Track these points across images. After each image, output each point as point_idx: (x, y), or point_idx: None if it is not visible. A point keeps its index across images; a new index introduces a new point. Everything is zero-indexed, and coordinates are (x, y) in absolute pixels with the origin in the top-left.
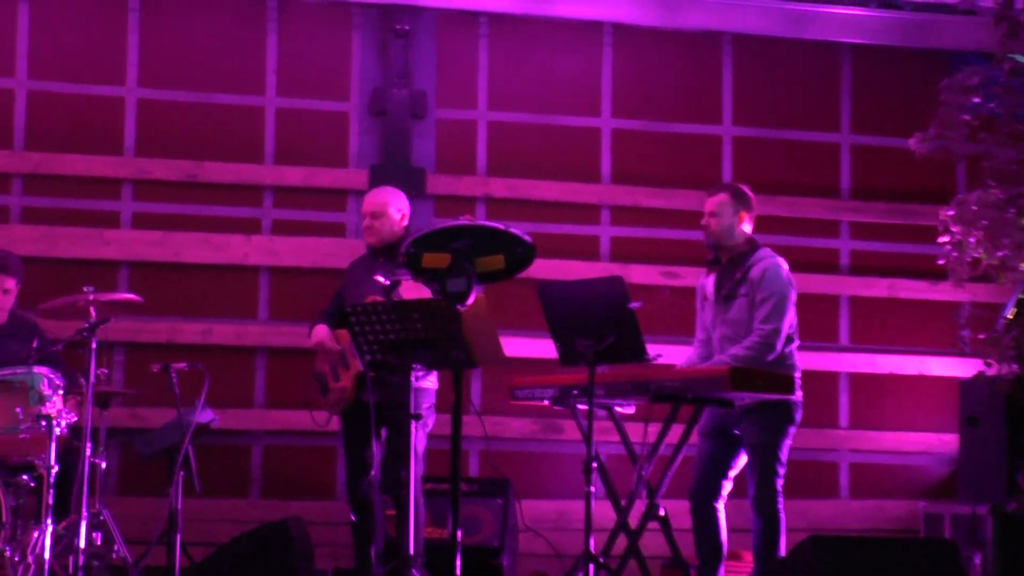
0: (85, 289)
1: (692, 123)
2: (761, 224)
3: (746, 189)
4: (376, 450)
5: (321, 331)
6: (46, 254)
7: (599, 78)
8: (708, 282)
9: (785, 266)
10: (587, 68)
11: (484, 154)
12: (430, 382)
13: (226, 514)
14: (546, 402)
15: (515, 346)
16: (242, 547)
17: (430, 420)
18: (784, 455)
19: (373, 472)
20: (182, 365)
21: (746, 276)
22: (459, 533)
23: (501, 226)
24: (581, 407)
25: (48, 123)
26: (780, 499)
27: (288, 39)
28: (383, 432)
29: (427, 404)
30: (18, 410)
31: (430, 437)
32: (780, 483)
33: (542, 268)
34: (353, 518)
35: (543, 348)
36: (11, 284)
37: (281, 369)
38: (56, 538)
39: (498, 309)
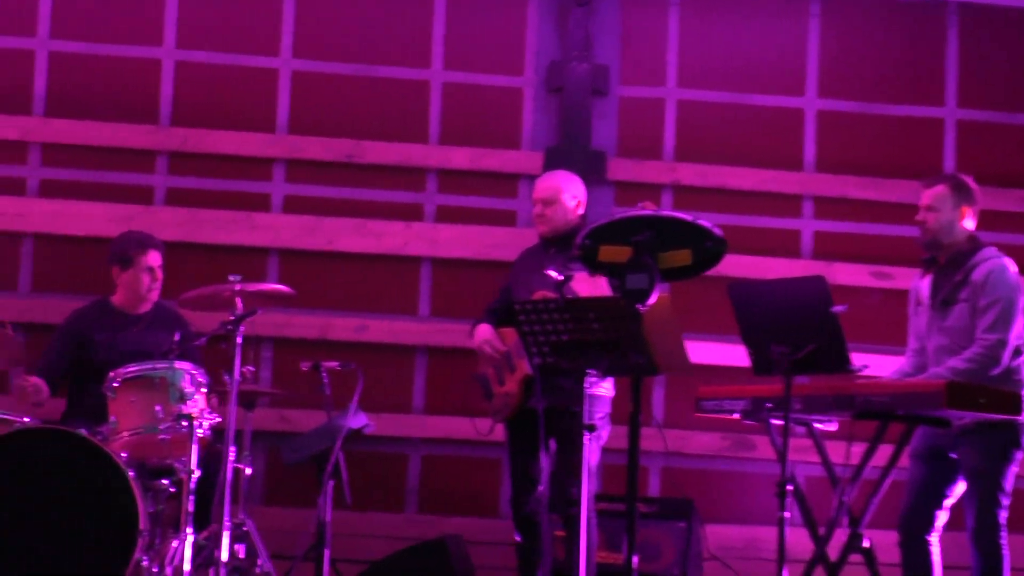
0: (231, 278)
1: (909, 104)
2: (986, 220)
3: (969, 181)
4: (544, 463)
5: (484, 330)
6: (190, 239)
7: (804, 53)
8: (923, 285)
9: (1013, 268)
10: (790, 41)
11: (672, 136)
12: (605, 389)
13: (379, 529)
14: (736, 415)
15: (702, 352)
16: (396, 566)
17: (605, 431)
18: (1009, 484)
19: (541, 488)
20: (334, 364)
21: (967, 279)
22: (635, 559)
23: (688, 217)
24: (775, 422)
25: (195, 96)
26: (1003, 533)
27: (457, 6)
28: (552, 443)
29: (602, 413)
30: (157, 409)
31: (604, 451)
32: (1004, 515)
33: (734, 265)
34: (518, 538)
35: (733, 355)
36: (158, 261)
37: (441, 371)
38: (196, 549)
39: (683, 310)
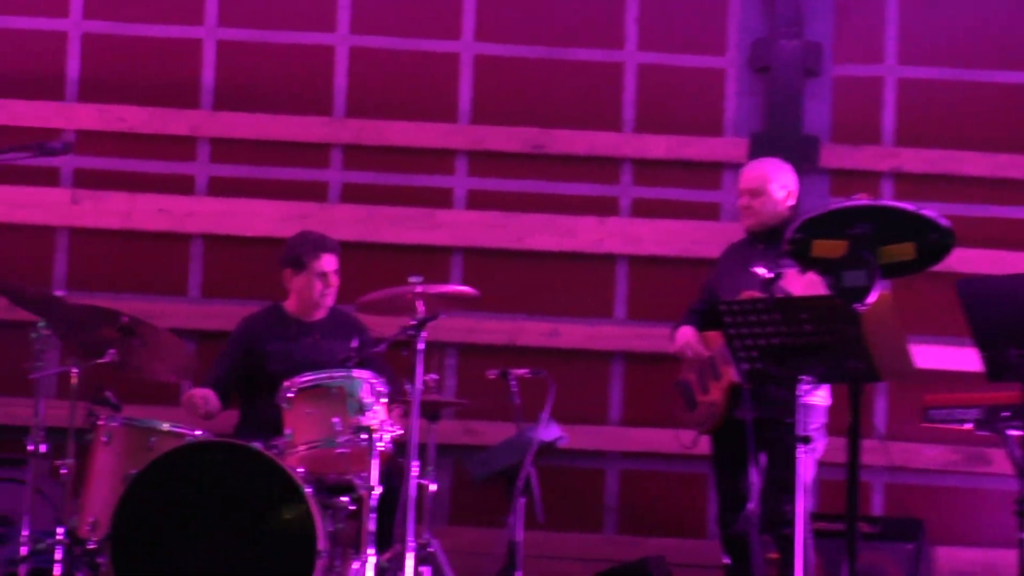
0: (411, 280)
1: None
2: None
3: None
4: (754, 479)
5: (686, 333)
6: (367, 238)
7: None
8: None
9: None
10: None
11: (892, 119)
12: (820, 397)
13: (574, 550)
14: (968, 426)
15: (928, 356)
16: None
17: (820, 444)
18: None
19: (750, 505)
20: (524, 371)
21: None
22: None
23: (911, 207)
24: (1013, 433)
25: (371, 85)
26: None
27: None
28: (762, 457)
29: (817, 424)
30: (335, 420)
31: (820, 465)
32: None
33: (964, 259)
34: (726, 560)
35: (964, 359)
36: (333, 265)
37: (640, 378)
38: (378, 571)
39: (907, 309)
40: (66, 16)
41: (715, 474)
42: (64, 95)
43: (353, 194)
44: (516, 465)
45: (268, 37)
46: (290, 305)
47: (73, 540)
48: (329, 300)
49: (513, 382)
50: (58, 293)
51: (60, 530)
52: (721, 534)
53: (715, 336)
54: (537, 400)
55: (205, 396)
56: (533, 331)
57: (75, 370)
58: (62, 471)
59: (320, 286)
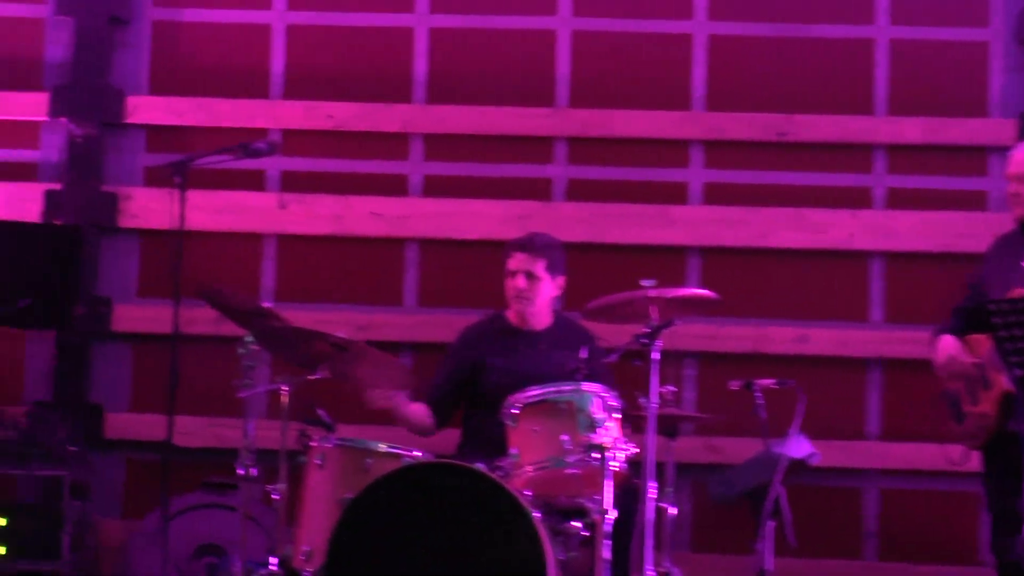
0: (644, 283)
1: None
2: None
3: None
4: None
5: (948, 345)
6: (594, 239)
7: None
8: None
9: None
10: None
11: None
12: None
13: None
14: None
15: None
16: None
17: None
18: None
19: None
20: (770, 382)
21: None
22: None
23: None
24: None
25: (597, 71)
26: None
27: None
28: None
29: None
30: (564, 438)
31: None
32: None
33: None
34: None
35: None
36: (539, 269)
37: (900, 388)
38: None
39: None
40: (269, 8)
41: (987, 493)
42: (268, 92)
43: (579, 191)
44: (763, 485)
45: (484, 23)
46: (512, 314)
47: (287, 570)
48: (524, 305)
49: (758, 394)
50: (266, 304)
51: (273, 560)
52: (996, 562)
53: (982, 340)
54: (785, 413)
55: (418, 412)
56: (779, 337)
57: (285, 387)
58: (274, 496)
59: (511, 286)
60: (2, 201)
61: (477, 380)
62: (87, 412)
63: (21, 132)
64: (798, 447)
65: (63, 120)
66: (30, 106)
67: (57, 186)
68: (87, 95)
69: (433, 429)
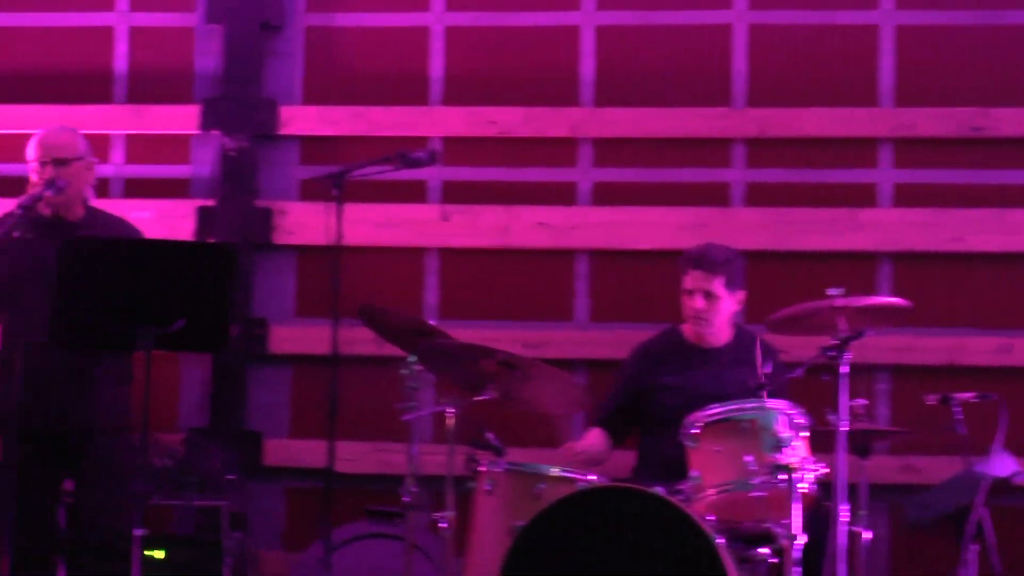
0: (830, 293)
1: None
2: None
3: None
4: None
5: None
6: (775, 246)
7: None
8: None
9: None
10: None
11: None
12: None
13: None
14: None
15: None
16: None
17: None
18: None
19: None
20: (969, 396)
21: None
22: None
23: None
24: None
25: (776, 67)
26: None
27: None
28: None
29: None
30: (748, 459)
31: None
32: None
33: None
34: None
35: None
36: (718, 287)
37: None
38: None
39: None
40: (427, 9)
41: None
42: (427, 98)
43: (759, 195)
44: (964, 507)
45: (654, 19)
46: (688, 329)
47: None
48: (703, 326)
49: (957, 408)
50: (429, 322)
51: None
52: None
53: None
54: (987, 429)
55: (586, 449)
56: (979, 348)
57: (451, 410)
58: (441, 525)
59: (688, 306)
60: (154, 219)
61: (652, 399)
62: (245, 439)
63: (172, 146)
64: (1001, 465)
65: (215, 133)
66: (181, 119)
67: (210, 202)
68: (239, 106)
69: (606, 456)
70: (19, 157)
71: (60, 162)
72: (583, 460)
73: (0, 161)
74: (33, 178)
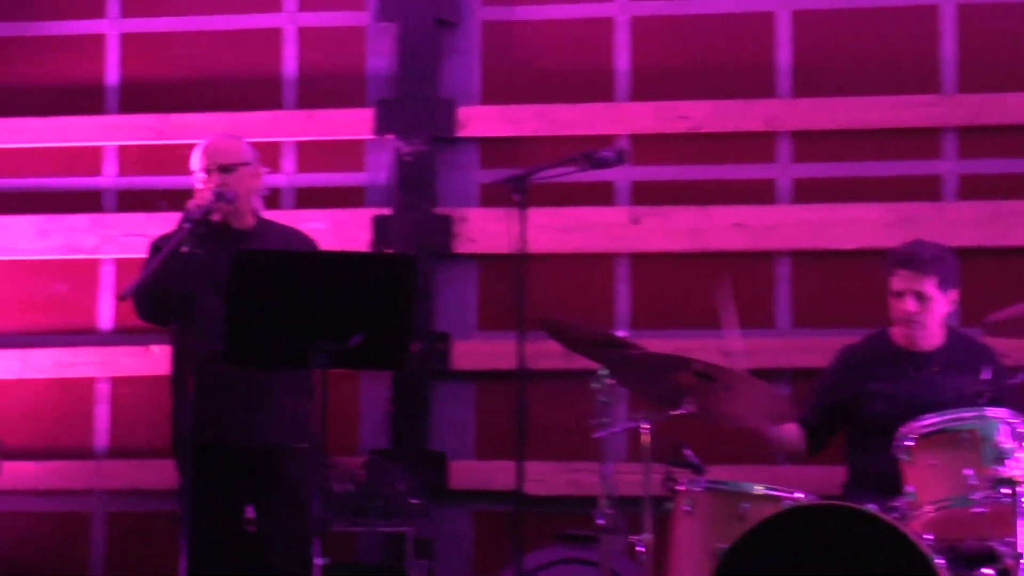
0: None
1: None
2: None
3: None
4: None
5: None
6: (992, 242)
7: None
8: None
9: None
10: None
11: None
12: None
13: None
14: None
15: None
16: None
17: None
18: None
19: None
20: None
21: None
22: None
23: None
24: None
25: (989, 50)
26: None
27: None
28: None
29: None
30: (968, 473)
31: None
32: None
33: None
34: None
35: None
36: (929, 287)
37: None
38: None
39: None
40: None
41: None
42: (613, 94)
43: (973, 188)
44: None
45: (854, 1)
46: (897, 332)
47: None
48: (915, 329)
49: None
50: (620, 333)
51: None
52: None
53: None
54: None
55: (788, 431)
56: None
57: (646, 425)
58: (639, 549)
59: (897, 308)
60: (328, 229)
61: (860, 408)
62: (429, 460)
63: (345, 153)
64: None
65: (390, 137)
66: (353, 124)
67: (386, 210)
68: (415, 108)
69: (802, 449)
70: (188, 168)
71: (226, 168)
72: (774, 440)
73: (168, 173)
74: (200, 188)
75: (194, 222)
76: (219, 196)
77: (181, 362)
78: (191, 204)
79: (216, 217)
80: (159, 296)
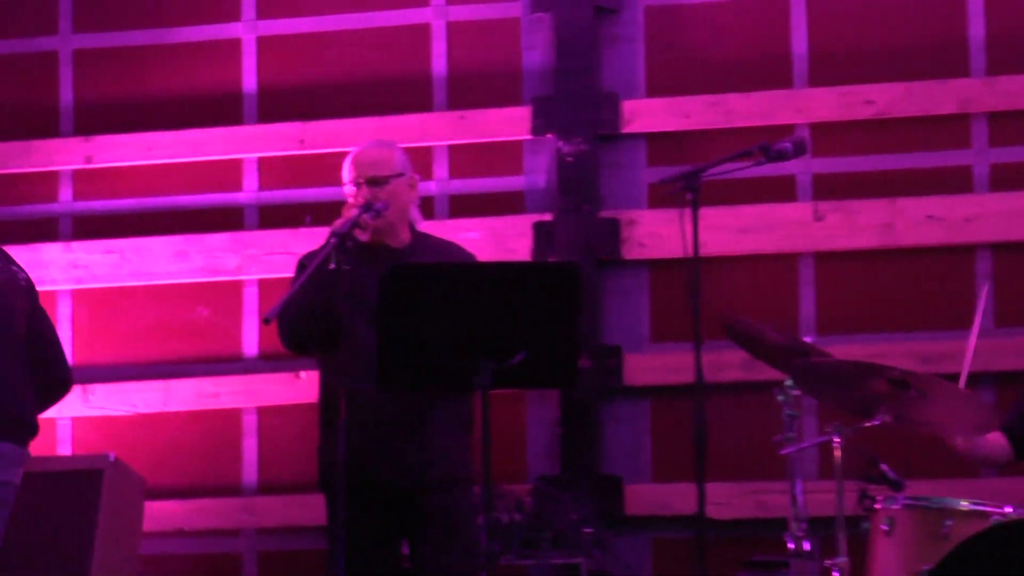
0: None
1: None
2: None
3: None
4: None
5: None
6: None
7: None
8: None
9: None
10: None
11: None
12: None
13: None
14: None
15: None
16: None
17: None
18: None
19: None
20: None
21: None
22: None
23: None
24: None
25: None
26: None
27: None
28: None
29: None
30: None
31: None
32: None
33: None
34: None
35: None
36: None
37: None
38: None
39: None
40: None
41: None
42: (791, 80)
43: None
44: None
45: None
46: None
47: None
48: None
49: None
50: (806, 339)
51: None
52: None
53: None
54: None
55: (980, 445)
56: None
57: (837, 439)
58: (834, 573)
59: None
60: (485, 238)
61: None
62: (602, 486)
63: (501, 155)
64: None
65: (549, 137)
66: (509, 124)
67: (547, 216)
68: (575, 104)
69: (1008, 460)
70: (333, 180)
71: (376, 181)
72: (978, 457)
73: (312, 185)
74: (349, 202)
75: (340, 236)
76: (366, 208)
77: (329, 393)
78: (338, 221)
79: (364, 236)
80: (305, 319)
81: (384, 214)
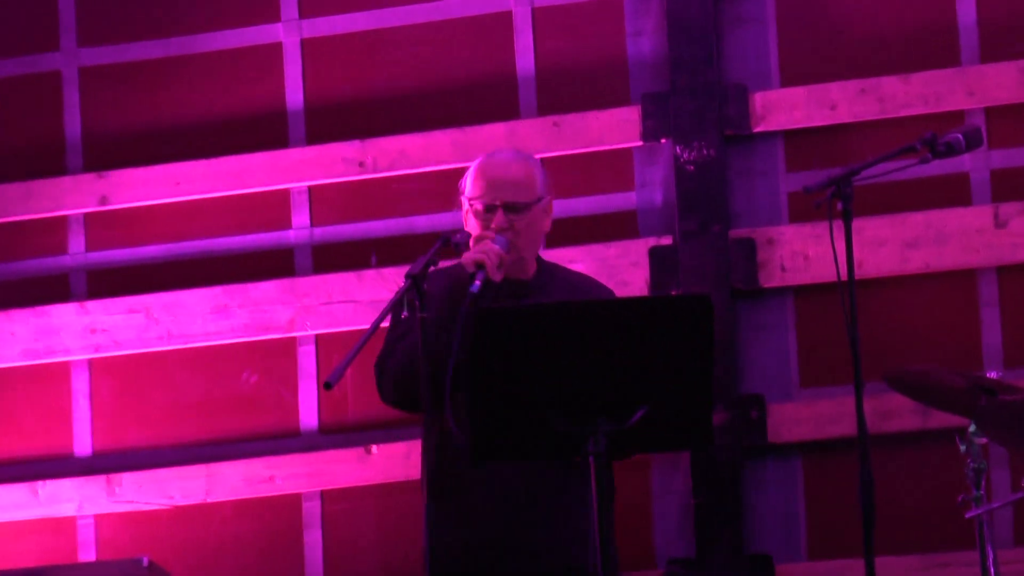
0: None
1: None
2: None
3: None
4: None
5: None
6: None
7: None
8: None
9: None
10: None
11: None
12: None
13: None
14: None
15: None
16: None
17: None
18: None
19: None
20: None
21: None
22: None
23: None
24: None
25: None
26: None
27: None
28: None
29: None
30: None
31: None
32: None
33: None
34: None
35: None
36: None
37: None
38: None
39: None
40: None
41: None
42: (959, 57)
43: None
44: None
45: None
46: None
47: None
48: None
49: None
50: (991, 375)
51: None
52: None
53: None
54: None
55: None
56: None
57: None
58: None
59: None
60: (592, 269)
61: None
62: (748, 567)
63: (606, 167)
64: None
65: (664, 142)
66: (614, 129)
67: (666, 239)
68: (694, 100)
69: None
70: (401, 209)
71: (514, 208)
72: None
73: (377, 217)
74: (471, 224)
75: (414, 278)
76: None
77: (432, 466)
78: (468, 255)
79: (498, 276)
80: (401, 378)
81: (516, 246)
